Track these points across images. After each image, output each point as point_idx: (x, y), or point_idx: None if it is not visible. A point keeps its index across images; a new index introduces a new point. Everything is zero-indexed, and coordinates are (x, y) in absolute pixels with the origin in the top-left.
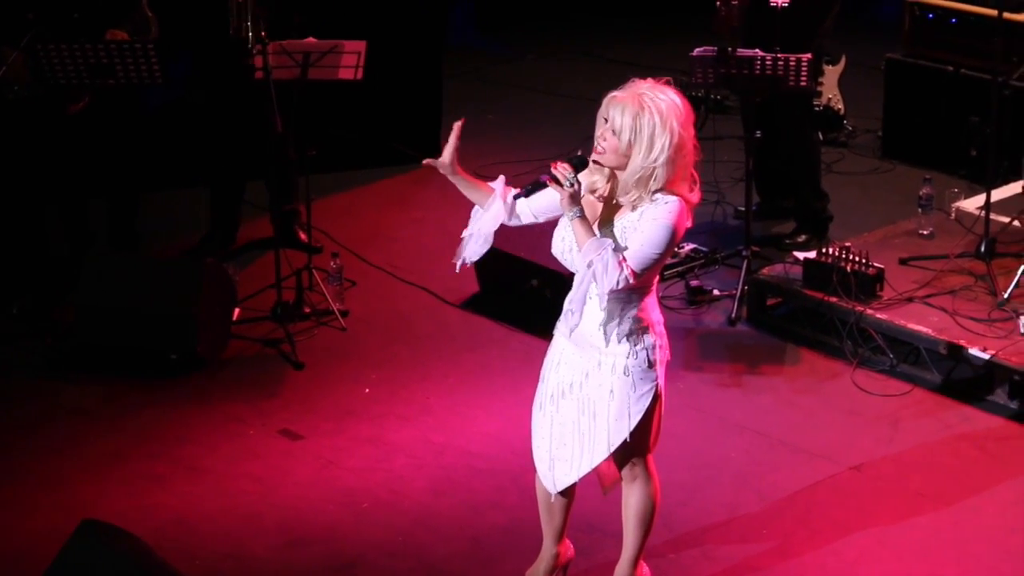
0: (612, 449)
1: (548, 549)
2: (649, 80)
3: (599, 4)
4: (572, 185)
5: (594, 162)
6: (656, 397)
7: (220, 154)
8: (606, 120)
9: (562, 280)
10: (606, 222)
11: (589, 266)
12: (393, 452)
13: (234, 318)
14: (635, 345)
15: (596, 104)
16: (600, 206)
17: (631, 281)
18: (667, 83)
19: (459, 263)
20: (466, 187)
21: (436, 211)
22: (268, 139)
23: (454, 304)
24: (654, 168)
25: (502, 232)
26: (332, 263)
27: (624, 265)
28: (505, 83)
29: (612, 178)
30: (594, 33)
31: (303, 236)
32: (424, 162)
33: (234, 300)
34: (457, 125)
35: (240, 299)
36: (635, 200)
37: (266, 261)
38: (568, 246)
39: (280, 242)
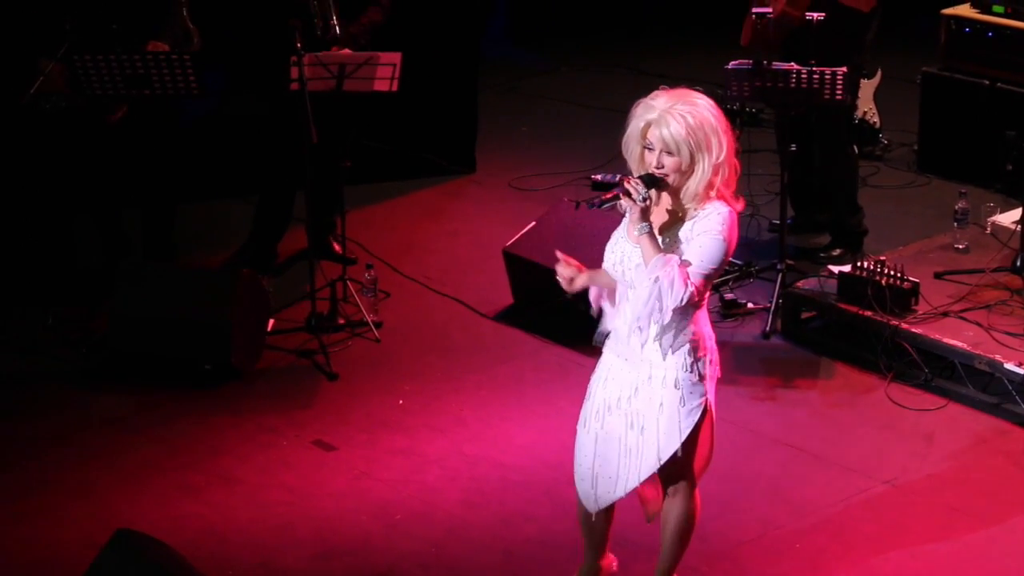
0: (662, 462)
1: (590, 563)
2: (667, 92)
3: (633, 16)
4: (644, 200)
5: (664, 182)
6: (705, 412)
7: (277, 165)
8: (649, 148)
9: None
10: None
11: (655, 281)
12: (426, 464)
13: (268, 329)
14: (687, 358)
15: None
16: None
17: (695, 298)
18: (689, 89)
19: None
20: (601, 278)
21: (470, 223)
22: (306, 150)
23: (488, 316)
24: (720, 167)
25: (537, 244)
26: (366, 274)
27: (689, 282)
28: (539, 95)
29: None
30: (628, 45)
31: (338, 247)
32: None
33: (268, 311)
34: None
35: (274, 310)
36: (689, 208)
37: (300, 272)
38: (623, 258)
39: (315, 253)
